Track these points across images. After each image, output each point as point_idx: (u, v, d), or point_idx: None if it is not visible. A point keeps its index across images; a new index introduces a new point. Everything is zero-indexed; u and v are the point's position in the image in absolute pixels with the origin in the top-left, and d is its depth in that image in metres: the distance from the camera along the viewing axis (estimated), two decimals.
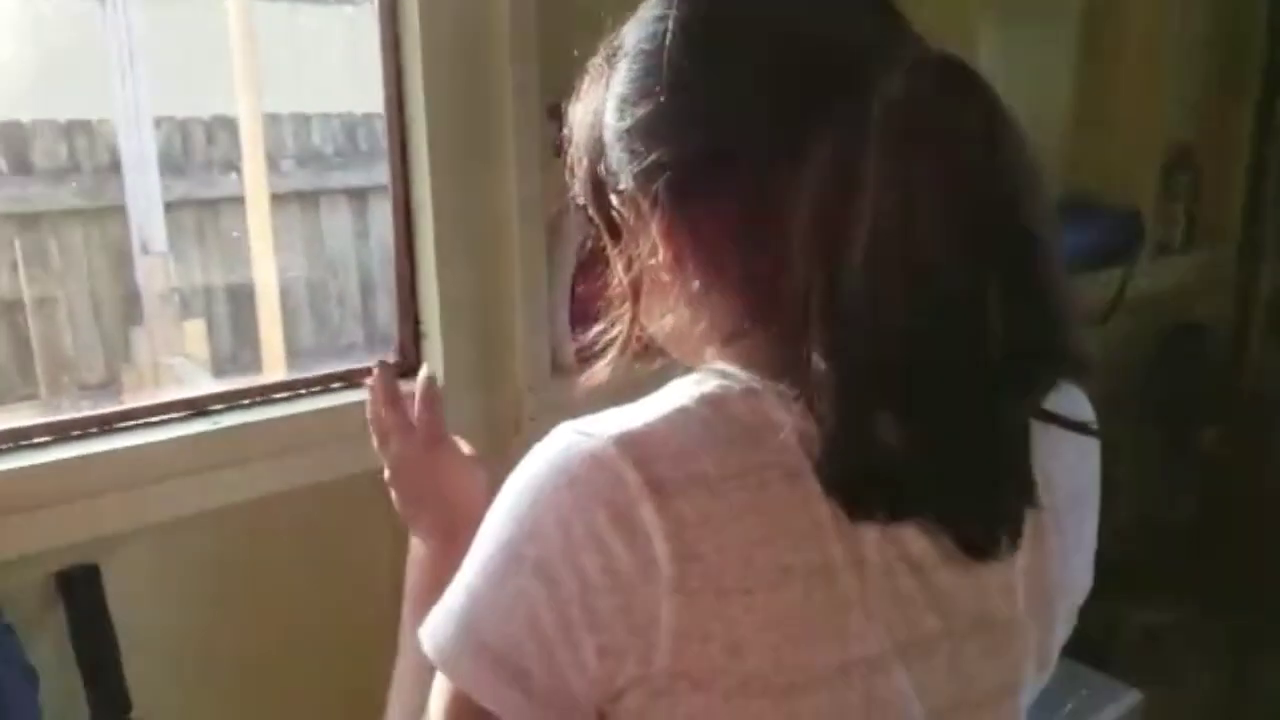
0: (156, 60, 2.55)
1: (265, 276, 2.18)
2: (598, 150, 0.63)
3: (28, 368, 2.44)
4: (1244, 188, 2.23)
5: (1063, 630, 0.66)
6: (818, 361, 0.52)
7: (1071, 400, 0.66)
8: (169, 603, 1.14)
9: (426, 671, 0.58)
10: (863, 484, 0.54)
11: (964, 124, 0.51)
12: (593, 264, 0.70)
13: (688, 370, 0.61)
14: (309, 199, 2.69)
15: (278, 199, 2.39)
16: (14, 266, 2.43)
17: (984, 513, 0.57)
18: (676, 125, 0.58)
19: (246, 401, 1.19)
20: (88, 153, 2.52)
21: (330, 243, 2.76)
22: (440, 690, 0.57)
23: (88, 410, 1.14)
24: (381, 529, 1.16)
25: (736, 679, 0.53)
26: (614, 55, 0.62)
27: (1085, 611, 0.71)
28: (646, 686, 0.53)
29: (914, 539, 0.56)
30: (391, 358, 1.29)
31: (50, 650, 1.09)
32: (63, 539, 1.07)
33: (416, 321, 1.27)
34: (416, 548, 0.81)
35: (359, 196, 2.84)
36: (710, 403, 0.56)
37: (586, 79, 0.65)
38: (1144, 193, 2.08)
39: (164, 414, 1.15)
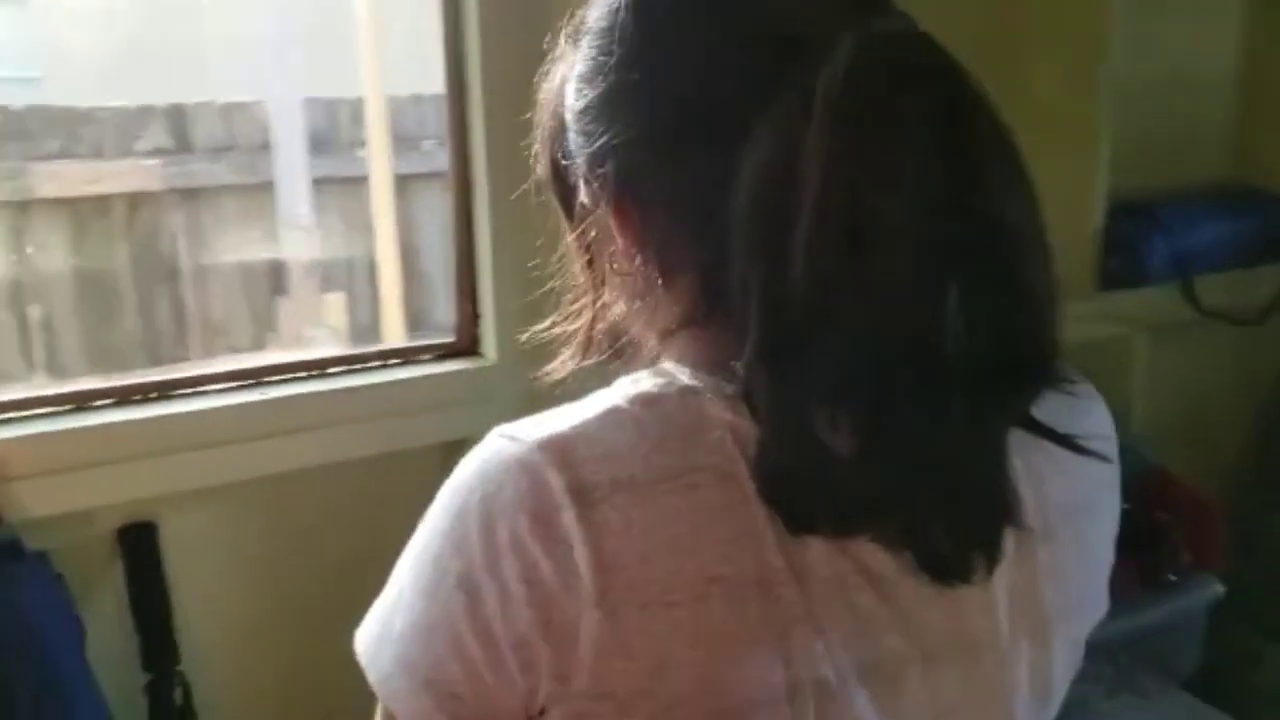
0: (307, 43, 2.67)
1: (388, 252, 2.26)
2: (558, 132, 0.61)
3: (183, 332, 2.61)
4: None
5: (1066, 656, 0.60)
6: (754, 357, 0.49)
7: (1079, 408, 0.60)
8: (221, 562, 1.20)
9: None
10: (801, 490, 0.49)
11: (916, 105, 0.47)
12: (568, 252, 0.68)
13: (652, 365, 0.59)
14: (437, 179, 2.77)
15: (406, 179, 2.47)
16: (174, 238, 2.60)
17: (950, 531, 0.52)
18: (625, 106, 0.56)
19: (303, 374, 1.23)
20: (243, 132, 2.66)
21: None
22: (379, 706, 0.56)
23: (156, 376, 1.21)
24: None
25: (663, 701, 0.49)
26: (576, 33, 0.60)
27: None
28: (566, 706, 0.50)
29: (872, 552, 0.52)
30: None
31: (107, 602, 1.16)
32: (124, 496, 1.14)
33: (474, 302, 1.28)
34: None
35: None
36: (644, 402, 0.53)
37: (553, 58, 0.64)
38: None
39: (223, 383, 1.20)
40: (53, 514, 1.20)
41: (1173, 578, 1.53)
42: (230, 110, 2.66)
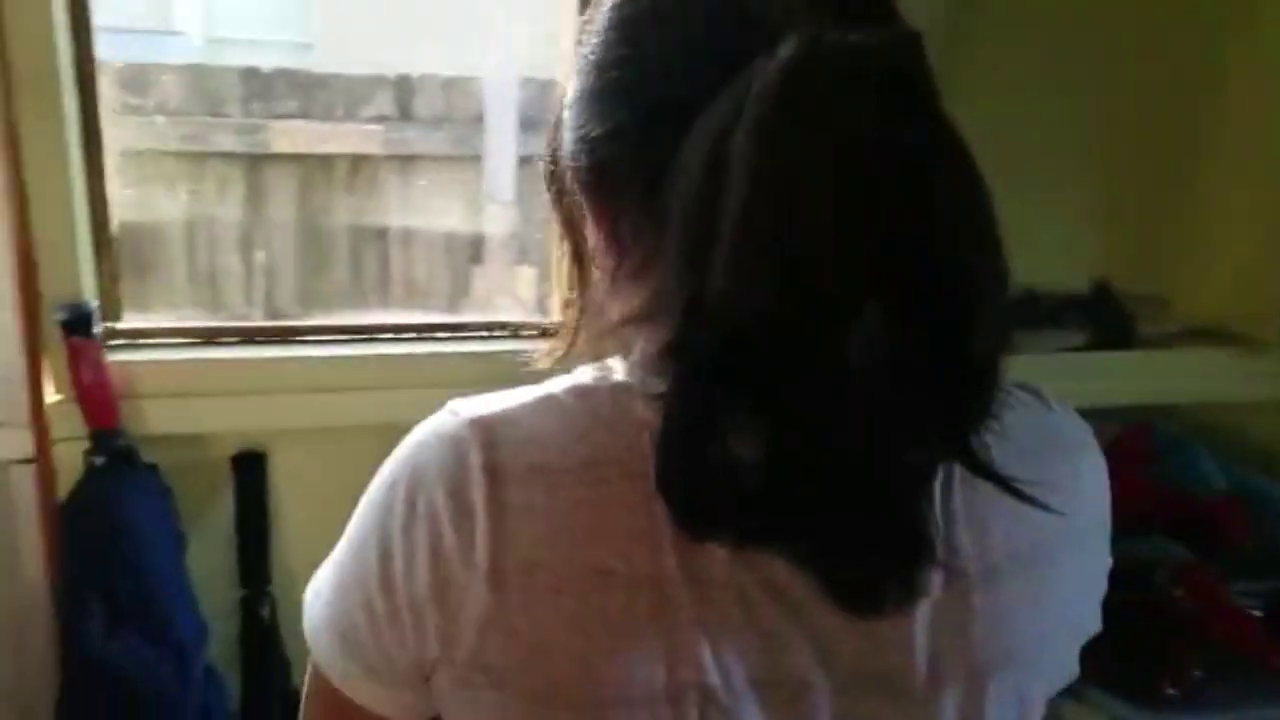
0: (529, 24, 2.78)
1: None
2: (556, 129, 0.63)
3: (386, 288, 2.79)
4: None
5: (1008, 712, 0.57)
6: (667, 356, 0.49)
7: (1061, 453, 0.57)
8: (320, 497, 1.29)
9: None
10: (695, 493, 0.49)
11: (855, 116, 0.45)
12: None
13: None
14: None
15: None
16: (386, 200, 2.78)
17: (854, 556, 0.51)
18: (602, 102, 0.57)
19: (412, 335, 1.30)
20: (460, 106, 2.81)
21: None
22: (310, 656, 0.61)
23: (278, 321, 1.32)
24: None
25: (540, 683, 0.51)
26: (583, 30, 0.62)
27: None
28: (451, 671, 0.53)
29: (780, 568, 0.51)
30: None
31: (213, 520, 1.28)
32: (241, 426, 1.25)
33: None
34: None
35: None
36: (578, 394, 0.55)
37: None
38: None
39: (340, 334, 1.29)
40: (171, 433, 1.33)
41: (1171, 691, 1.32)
42: (451, 84, 2.82)
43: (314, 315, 2.90)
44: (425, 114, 2.83)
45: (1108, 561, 0.64)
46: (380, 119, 2.77)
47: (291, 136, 2.67)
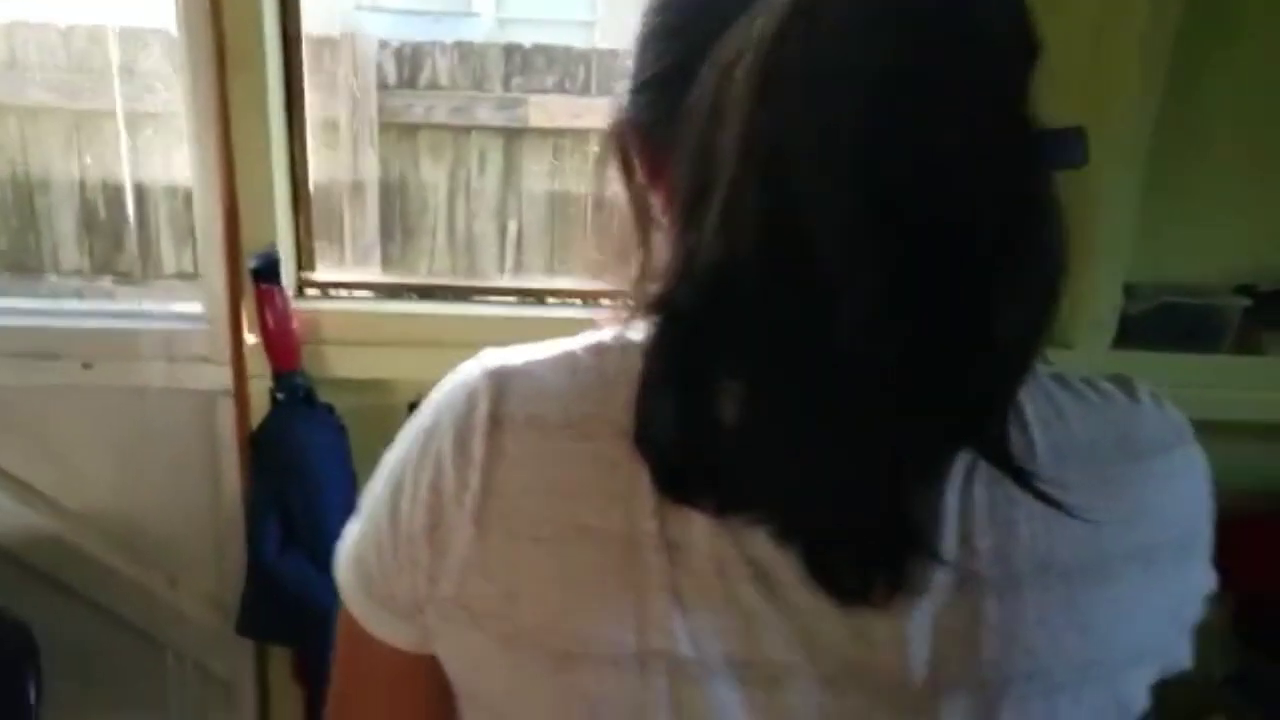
0: None
1: None
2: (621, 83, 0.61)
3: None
4: None
5: None
6: (656, 314, 0.48)
7: (1114, 435, 0.52)
8: None
9: None
10: (672, 450, 0.48)
11: (868, 58, 0.41)
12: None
13: None
14: None
15: None
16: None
17: (834, 538, 0.47)
18: (646, 48, 0.55)
19: (575, 300, 1.37)
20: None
21: None
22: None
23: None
24: None
25: (512, 627, 0.52)
26: None
27: None
28: (435, 607, 0.55)
29: (762, 544, 0.49)
30: None
31: None
32: (418, 376, 1.35)
33: None
34: None
35: None
36: (593, 351, 0.55)
37: None
38: None
39: (508, 295, 1.37)
40: (351, 377, 1.45)
41: None
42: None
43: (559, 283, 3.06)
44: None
45: (1202, 583, 0.55)
46: None
47: (547, 111, 2.79)
